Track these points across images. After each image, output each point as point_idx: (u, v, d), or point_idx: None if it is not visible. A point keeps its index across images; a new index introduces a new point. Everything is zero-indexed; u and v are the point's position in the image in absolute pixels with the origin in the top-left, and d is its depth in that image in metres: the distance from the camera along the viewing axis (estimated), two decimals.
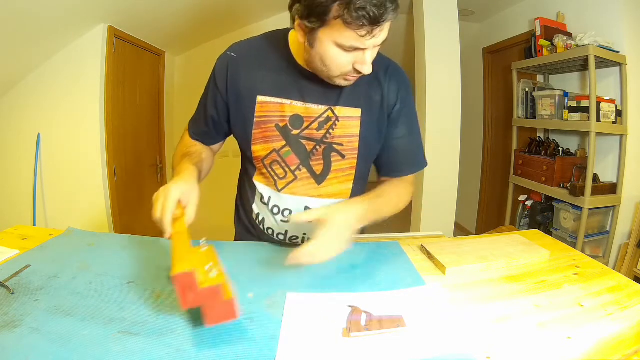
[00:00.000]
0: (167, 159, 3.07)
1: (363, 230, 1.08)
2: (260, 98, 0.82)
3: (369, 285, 0.73)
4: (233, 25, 3.04)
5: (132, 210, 2.57)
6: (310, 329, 0.58)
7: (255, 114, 0.83)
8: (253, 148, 0.85)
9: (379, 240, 0.96)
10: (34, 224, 2.16)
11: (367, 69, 0.69)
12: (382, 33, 0.65)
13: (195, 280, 0.51)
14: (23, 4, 1.57)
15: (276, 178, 0.87)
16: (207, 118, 0.90)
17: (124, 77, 2.39)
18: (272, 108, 0.82)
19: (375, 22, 0.61)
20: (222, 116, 0.88)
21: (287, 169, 0.86)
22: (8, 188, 2.22)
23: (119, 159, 2.36)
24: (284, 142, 0.84)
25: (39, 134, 2.14)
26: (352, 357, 0.53)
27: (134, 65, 2.53)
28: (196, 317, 0.61)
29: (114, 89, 2.25)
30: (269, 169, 0.87)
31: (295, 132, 0.83)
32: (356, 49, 0.66)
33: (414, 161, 0.91)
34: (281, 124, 0.83)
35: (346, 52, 0.67)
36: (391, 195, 0.85)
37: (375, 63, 0.82)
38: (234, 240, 1.03)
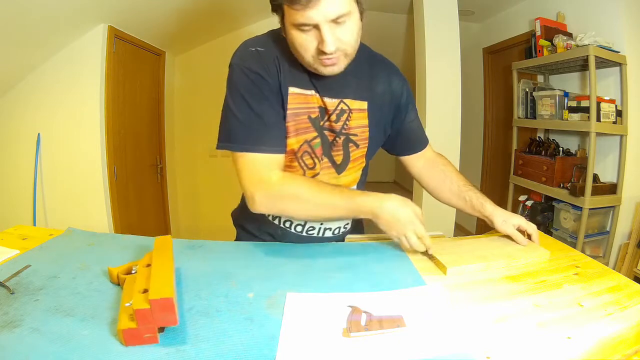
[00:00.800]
0: (167, 159, 3.08)
1: (363, 231, 1.09)
2: (292, 89, 0.81)
3: (369, 285, 0.73)
4: (233, 25, 3.04)
5: (132, 210, 2.57)
6: (310, 329, 0.58)
7: (288, 106, 0.81)
8: (288, 142, 0.83)
9: (379, 241, 0.96)
10: (34, 224, 2.16)
11: (327, 47, 0.69)
12: (325, 5, 0.65)
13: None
14: (23, 4, 1.57)
15: (305, 168, 0.88)
16: (279, 118, 0.80)
17: (124, 77, 2.39)
18: (303, 100, 0.83)
19: None
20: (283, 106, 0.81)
21: (315, 160, 0.88)
22: (8, 188, 2.22)
23: (119, 159, 2.36)
24: (315, 134, 0.85)
25: (39, 134, 2.14)
26: (352, 357, 0.53)
27: (134, 65, 2.53)
28: (196, 317, 0.61)
29: (114, 89, 2.25)
30: (300, 161, 0.87)
31: (321, 123, 0.86)
32: (312, 27, 0.68)
33: (424, 137, 1.05)
34: (313, 115, 0.84)
35: (304, 32, 0.69)
36: (464, 178, 1.03)
37: (373, 59, 0.91)
38: (235, 240, 1.03)
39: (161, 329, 0.55)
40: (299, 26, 0.68)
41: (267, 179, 0.77)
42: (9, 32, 1.68)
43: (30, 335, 0.55)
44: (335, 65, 0.74)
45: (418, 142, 1.03)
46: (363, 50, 0.85)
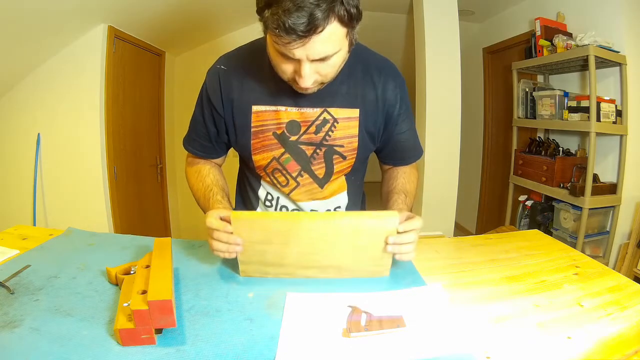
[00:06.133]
0: (167, 159, 3.08)
1: None
2: (255, 107, 0.82)
3: (369, 285, 0.73)
4: (233, 25, 3.04)
5: (132, 210, 2.57)
6: (310, 329, 0.58)
7: (252, 124, 0.82)
8: (254, 158, 0.85)
9: None
10: (34, 224, 2.16)
11: (302, 82, 0.66)
12: (311, 45, 0.59)
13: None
14: (23, 4, 1.57)
15: (279, 186, 0.88)
16: (209, 134, 0.88)
17: (124, 77, 2.39)
18: (268, 116, 0.82)
19: (290, 32, 0.56)
20: (221, 131, 0.87)
21: (288, 176, 0.86)
22: (8, 188, 2.22)
23: (119, 159, 2.36)
24: (282, 150, 0.84)
25: (39, 134, 2.14)
26: (352, 357, 0.53)
27: (134, 65, 2.53)
28: (196, 317, 0.61)
29: (114, 89, 2.25)
30: (272, 177, 0.88)
31: (293, 138, 0.83)
32: (291, 58, 0.63)
33: (415, 151, 0.96)
34: (278, 132, 0.83)
35: (284, 58, 0.64)
36: (412, 190, 0.93)
37: (369, 62, 0.84)
38: None
39: (158, 331, 0.55)
40: (281, 53, 0.63)
41: (186, 161, 1.00)
42: (9, 32, 1.68)
43: (30, 335, 0.55)
44: (308, 89, 0.71)
45: (402, 157, 0.95)
46: (359, 53, 0.81)
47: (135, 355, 0.52)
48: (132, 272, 0.69)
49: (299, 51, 0.60)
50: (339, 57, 0.66)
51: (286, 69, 0.67)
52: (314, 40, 0.59)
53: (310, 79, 0.66)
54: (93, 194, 2.21)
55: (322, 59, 0.63)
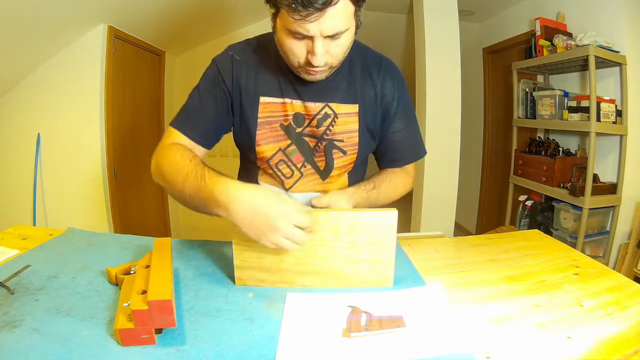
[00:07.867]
0: None
1: None
2: (263, 99, 0.83)
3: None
4: (232, 26, 3.04)
5: (132, 210, 2.57)
6: (310, 329, 0.58)
7: (259, 115, 0.83)
8: (257, 149, 0.85)
9: None
10: (34, 224, 2.16)
11: (316, 60, 0.68)
12: (325, 20, 0.62)
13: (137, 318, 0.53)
14: (23, 4, 1.57)
15: (283, 177, 0.88)
16: (216, 114, 0.83)
17: (124, 77, 2.39)
18: (275, 108, 0.83)
19: (307, 5, 0.59)
20: (229, 112, 0.85)
21: (293, 167, 0.87)
22: (8, 188, 2.22)
23: (119, 159, 2.36)
24: (289, 141, 0.85)
25: (39, 134, 2.14)
26: (352, 357, 0.53)
27: (134, 65, 2.53)
28: (196, 317, 0.61)
29: (114, 89, 2.25)
30: (275, 169, 0.87)
31: (298, 129, 0.84)
32: (305, 36, 0.66)
33: (413, 151, 0.94)
34: (285, 123, 0.84)
35: (296, 39, 0.67)
36: (387, 188, 0.89)
37: (368, 59, 0.86)
38: None
39: (158, 331, 0.55)
40: (293, 33, 0.66)
41: (161, 144, 0.81)
42: (9, 32, 1.68)
43: (30, 335, 0.55)
44: (318, 74, 0.73)
45: (394, 158, 0.92)
46: (358, 50, 0.83)
47: (135, 355, 0.52)
48: (132, 272, 0.69)
49: (314, 26, 0.63)
50: (347, 38, 0.70)
51: (298, 51, 0.69)
52: (329, 13, 0.62)
53: (322, 57, 0.68)
54: (93, 194, 2.21)
55: (334, 36, 0.66)
